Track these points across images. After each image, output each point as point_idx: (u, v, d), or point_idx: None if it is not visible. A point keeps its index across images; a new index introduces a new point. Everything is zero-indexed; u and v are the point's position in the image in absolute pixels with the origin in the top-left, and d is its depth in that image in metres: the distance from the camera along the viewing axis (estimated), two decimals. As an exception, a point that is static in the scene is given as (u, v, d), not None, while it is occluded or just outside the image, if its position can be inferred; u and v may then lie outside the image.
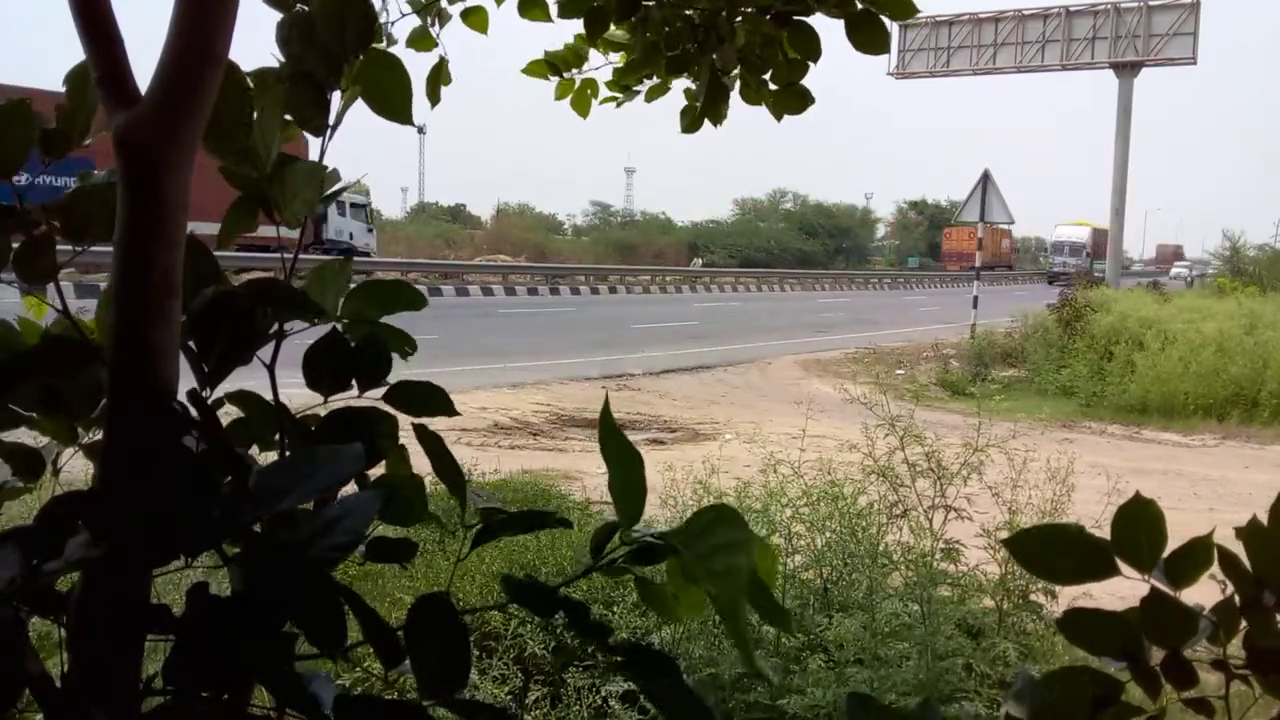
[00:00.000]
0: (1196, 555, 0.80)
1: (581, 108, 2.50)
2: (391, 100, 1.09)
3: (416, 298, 1.10)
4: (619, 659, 0.86)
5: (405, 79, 1.10)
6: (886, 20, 1.95)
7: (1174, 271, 71.84)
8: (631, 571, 0.89)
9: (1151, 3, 32.96)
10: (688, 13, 2.18)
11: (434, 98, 2.09)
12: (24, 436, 1.09)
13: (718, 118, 2.30)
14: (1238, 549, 0.84)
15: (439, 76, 2.06)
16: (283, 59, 1.05)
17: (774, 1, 2.05)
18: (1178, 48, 32.92)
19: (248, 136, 0.97)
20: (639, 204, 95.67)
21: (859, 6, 1.94)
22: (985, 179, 20.95)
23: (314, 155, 1.05)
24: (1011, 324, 20.94)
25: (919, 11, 2.01)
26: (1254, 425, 13.16)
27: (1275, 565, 0.81)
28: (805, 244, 71.17)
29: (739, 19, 2.12)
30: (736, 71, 2.22)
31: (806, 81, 2.20)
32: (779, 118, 2.25)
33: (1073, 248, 68.92)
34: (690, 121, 2.31)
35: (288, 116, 1.03)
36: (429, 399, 1.06)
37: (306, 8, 1.05)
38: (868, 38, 1.96)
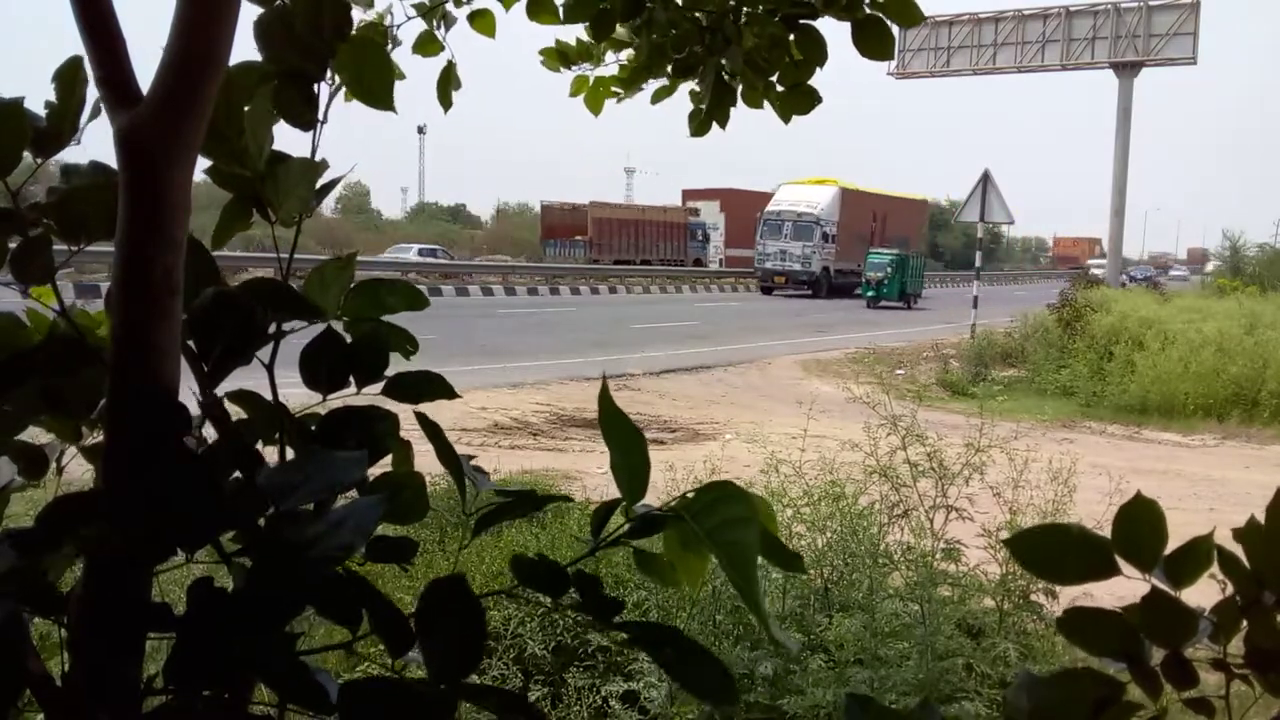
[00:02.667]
0: (1197, 555, 0.80)
1: (595, 105, 2.50)
2: (373, 87, 1.09)
3: (418, 297, 1.09)
4: (627, 635, 0.86)
5: (387, 65, 1.10)
6: (892, 26, 1.96)
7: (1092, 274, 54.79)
8: (631, 545, 0.89)
9: (1151, 3, 32.96)
10: (694, 15, 2.18)
11: (446, 103, 2.09)
12: (25, 434, 1.09)
13: (724, 120, 2.30)
14: (1237, 549, 0.84)
15: (449, 80, 2.06)
16: (262, 55, 1.04)
17: (781, 4, 2.05)
18: (1178, 48, 32.92)
19: (239, 136, 0.97)
20: (639, 204, 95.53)
21: (866, 12, 1.94)
22: (985, 179, 20.96)
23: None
24: (1011, 324, 20.94)
25: (924, 19, 2.02)
26: (1254, 425, 13.15)
27: (1274, 565, 0.81)
28: (805, 244, 71.07)
29: (745, 21, 2.13)
30: (739, 75, 2.22)
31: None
32: (786, 119, 2.25)
33: (798, 227, 39.38)
34: (698, 125, 2.32)
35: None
36: (427, 386, 1.06)
37: (286, 1, 1.05)
38: (874, 43, 1.97)
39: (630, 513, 0.86)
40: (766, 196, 51.82)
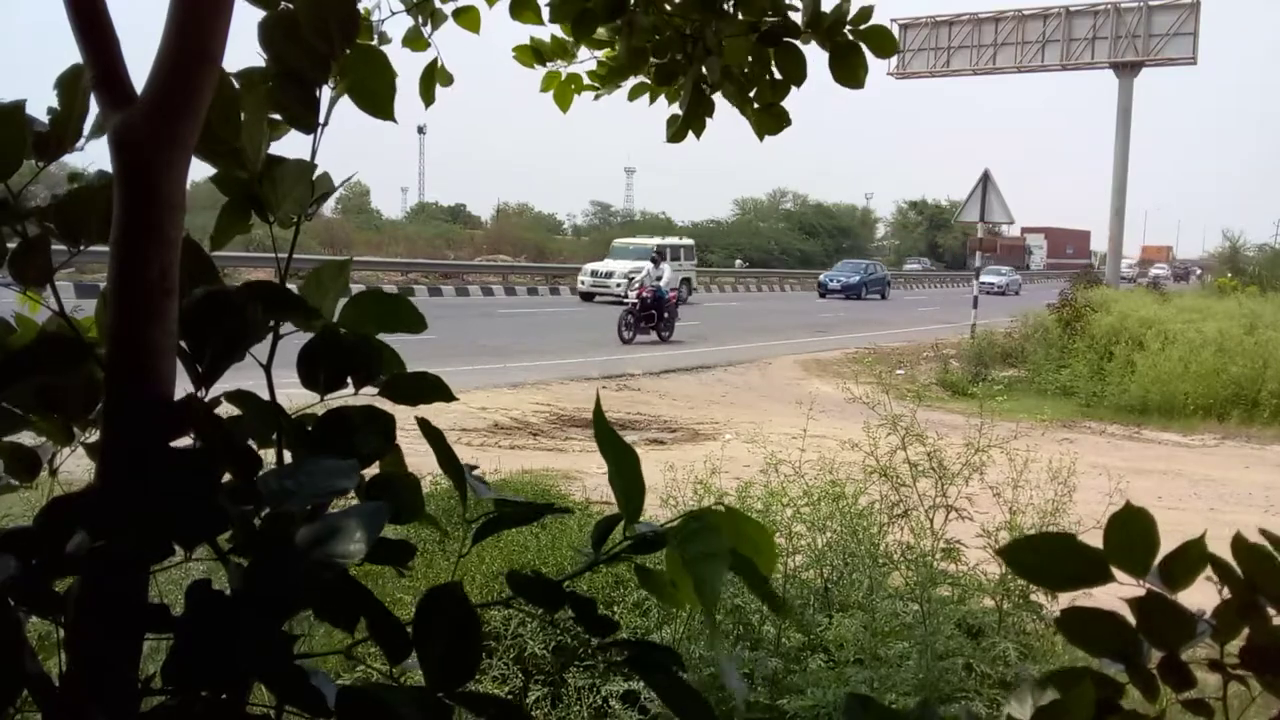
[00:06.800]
0: (1190, 559, 0.80)
1: (563, 101, 2.51)
2: (375, 96, 1.09)
3: (417, 320, 1.05)
4: (623, 655, 0.86)
5: (390, 74, 1.10)
6: (869, 54, 2.00)
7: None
8: (632, 560, 0.89)
9: (1151, 3, 32.93)
10: (677, 22, 2.19)
11: (428, 98, 2.10)
12: (20, 436, 1.09)
13: (700, 129, 2.32)
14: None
15: (433, 77, 2.07)
16: (266, 58, 1.04)
17: (762, 20, 2.07)
18: (1178, 48, 32.90)
19: (236, 138, 0.97)
20: (639, 204, 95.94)
21: (847, 37, 1.98)
22: (985, 179, 20.96)
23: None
24: (1011, 324, 20.94)
25: (899, 49, 2.06)
26: (1254, 425, 13.15)
27: (1266, 573, 0.81)
28: (805, 244, 71.11)
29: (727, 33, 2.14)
30: (718, 86, 2.23)
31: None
32: (760, 137, 2.28)
33: None
34: (675, 132, 2.33)
35: (275, 116, 1.03)
36: (426, 388, 1.05)
37: (290, 4, 1.05)
38: (848, 71, 2.03)
39: (630, 530, 0.86)
40: (1073, 233, 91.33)
